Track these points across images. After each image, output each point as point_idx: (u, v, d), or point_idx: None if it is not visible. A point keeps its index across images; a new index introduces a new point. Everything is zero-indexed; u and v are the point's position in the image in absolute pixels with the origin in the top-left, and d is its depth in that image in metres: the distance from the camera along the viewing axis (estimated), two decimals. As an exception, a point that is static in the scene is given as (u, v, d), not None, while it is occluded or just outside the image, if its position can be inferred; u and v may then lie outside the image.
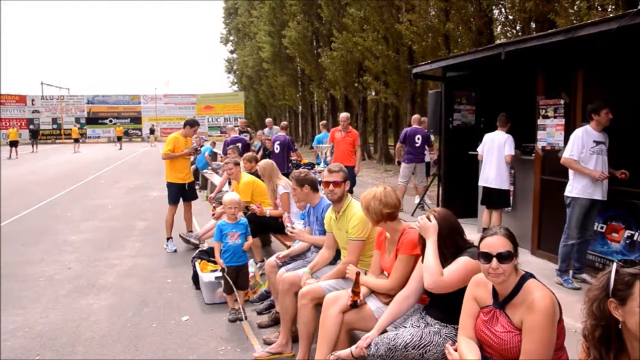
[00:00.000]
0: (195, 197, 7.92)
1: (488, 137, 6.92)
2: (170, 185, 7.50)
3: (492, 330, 2.33)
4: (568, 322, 2.55)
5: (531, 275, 2.34)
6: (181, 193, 7.54)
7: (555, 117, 6.00)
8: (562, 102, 5.90)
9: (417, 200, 9.83)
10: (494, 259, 2.26)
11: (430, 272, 2.67)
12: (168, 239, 7.43)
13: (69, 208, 11.04)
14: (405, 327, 2.83)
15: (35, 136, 35.44)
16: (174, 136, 7.46)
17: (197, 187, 13.61)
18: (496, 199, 6.83)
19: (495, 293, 2.38)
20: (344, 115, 10.24)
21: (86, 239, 8.08)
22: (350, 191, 4.57)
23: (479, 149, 7.06)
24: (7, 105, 47.14)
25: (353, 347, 2.85)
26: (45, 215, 10.22)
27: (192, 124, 7.64)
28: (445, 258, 2.76)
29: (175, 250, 7.30)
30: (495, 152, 6.75)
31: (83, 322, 4.72)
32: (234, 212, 4.90)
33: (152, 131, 42.29)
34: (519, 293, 2.28)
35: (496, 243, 2.29)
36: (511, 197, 7.01)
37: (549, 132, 6.10)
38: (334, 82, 23.62)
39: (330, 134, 10.31)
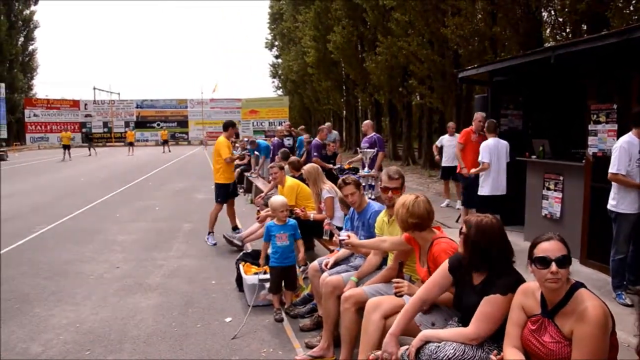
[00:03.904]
0: (237, 193, 8.72)
1: (492, 145, 7.02)
2: (222, 187, 8.09)
3: (540, 340, 2.27)
4: (621, 336, 2.45)
5: (582, 285, 2.26)
6: (230, 192, 8.22)
7: (607, 123, 5.78)
8: (614, 106, 5.68)
9: (458, 204, 9.65)
10: (553, 264, 2.20)
11: (469, 339, 2.58)
12: (209, 232, 8.00)
13: (118, 209, 11.38)
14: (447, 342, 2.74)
15: (90, 139, 36.31)
16: (227, 142, 8.04)
17: (241, 190, 13.91)
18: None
19: (543, 302, 2.31)
20: (481, 115, 8.33)
21: (134, 240, 8.30)
22: None
23: (483, 158, 7.07)
24: (62, 110, 49.38)
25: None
26: (96, 216, 10.57)
27: (233, 124, 8.23)
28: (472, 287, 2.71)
29: (215, 244, 7.78)
30: (503, 159, 6.97)
31: (130, 320, 4.85)
32: (284, 215, 5.02)
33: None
34: (569, 302, 2.21)
35: (554, 247, 2.24)
36: (559, 205, 6.81)
37: (600, 137, 5.88)
38: (378, 86, 23.51)
39: (462, 134, 8.72)
